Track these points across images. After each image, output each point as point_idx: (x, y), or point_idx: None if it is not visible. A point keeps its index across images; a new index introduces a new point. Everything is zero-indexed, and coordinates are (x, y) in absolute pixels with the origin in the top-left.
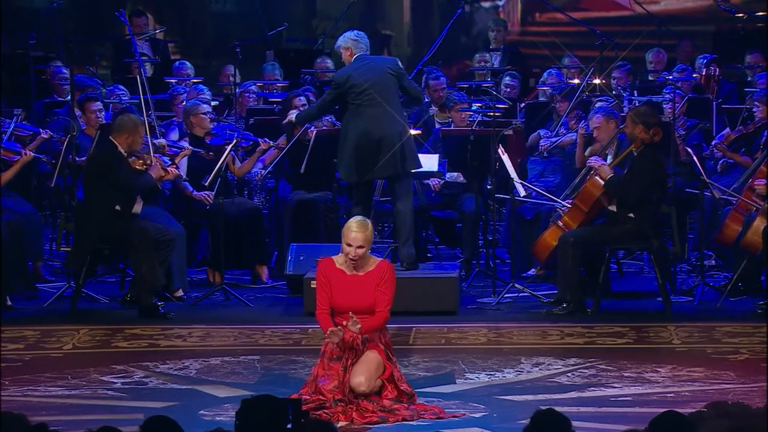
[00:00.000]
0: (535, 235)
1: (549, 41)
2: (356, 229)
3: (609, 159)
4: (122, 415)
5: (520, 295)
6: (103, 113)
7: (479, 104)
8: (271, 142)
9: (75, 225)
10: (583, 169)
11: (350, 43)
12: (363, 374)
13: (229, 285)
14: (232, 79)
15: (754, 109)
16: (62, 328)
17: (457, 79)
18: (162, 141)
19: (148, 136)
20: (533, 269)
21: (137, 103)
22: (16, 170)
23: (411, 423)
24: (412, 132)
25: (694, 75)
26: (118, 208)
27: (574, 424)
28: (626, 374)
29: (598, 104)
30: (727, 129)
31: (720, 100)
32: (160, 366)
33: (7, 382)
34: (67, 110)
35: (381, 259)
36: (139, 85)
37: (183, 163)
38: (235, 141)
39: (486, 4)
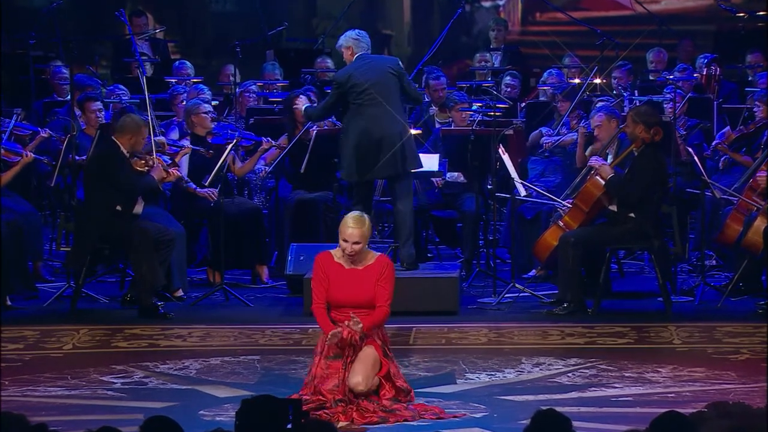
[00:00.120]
0: (536, 235)
1: (549, 41)
2: (353, 225)
3: (609, 159)
4: (122, 415)
5: (521, 295)
6: (103, 113)
7: (480, 104)
8: (272, 141)
9: (75, 225)
10: (584, 168)
11: (351, 42)
12: (360, 373)
13: (229, 285)
14: (232, 78)
15: (754, 109)
16: (62, 328)
17: (457, 78)
18: (162, 139)
19: (151, 136)
20: (534, 270)
21: (137, 102)
22: (16, 171)
23: (411, 423)
24: (413, 132)
25: (694, 75)
26: (119, 208)
27: (575, 424)
28: (627, 374)
29: (600, 104)
30: (728, 128)
31: (721, 100)
32: (160, 366)
33: (7, 382)
34: (66, 110)
35: (380, 253)
36: (144, 84)
37: (184, 162)
38: (235, 140)
39: (486, 4)
